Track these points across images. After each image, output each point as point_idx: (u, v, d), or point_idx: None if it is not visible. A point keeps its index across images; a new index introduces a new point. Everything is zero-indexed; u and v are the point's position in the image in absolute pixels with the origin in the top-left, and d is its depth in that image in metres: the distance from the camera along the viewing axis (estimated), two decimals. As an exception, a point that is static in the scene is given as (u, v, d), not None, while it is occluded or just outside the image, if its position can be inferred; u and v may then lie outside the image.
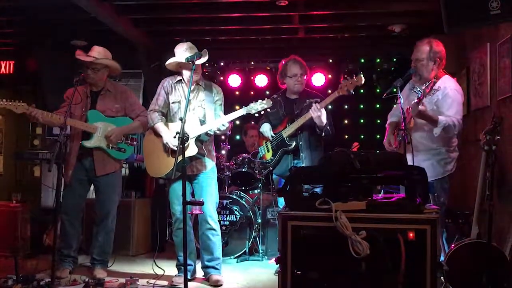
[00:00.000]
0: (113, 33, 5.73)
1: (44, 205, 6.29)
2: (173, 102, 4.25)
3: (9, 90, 6.83)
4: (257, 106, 4.09)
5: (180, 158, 3.47)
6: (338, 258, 2.48)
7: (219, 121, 4.10)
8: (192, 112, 4.16)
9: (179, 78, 4.28)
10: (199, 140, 4.13)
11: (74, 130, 4.33)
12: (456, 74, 5.12)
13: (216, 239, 4.26)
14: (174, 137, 3.67)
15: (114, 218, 4.48)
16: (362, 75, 4.07)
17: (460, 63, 5.20)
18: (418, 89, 3.50)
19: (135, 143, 4.53)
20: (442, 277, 3.00)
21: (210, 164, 4.28)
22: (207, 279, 4.26)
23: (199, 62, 3.93)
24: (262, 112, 4.23)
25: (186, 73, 4.20)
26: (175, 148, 4.03)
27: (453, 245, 3.54)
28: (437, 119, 3.50)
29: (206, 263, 4.27)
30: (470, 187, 4.70)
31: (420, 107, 3.42)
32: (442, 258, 3.25)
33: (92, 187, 4.54)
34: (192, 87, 4.11)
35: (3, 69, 6.57)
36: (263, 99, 4.13)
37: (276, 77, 4.76)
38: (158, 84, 4.37)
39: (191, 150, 4.04)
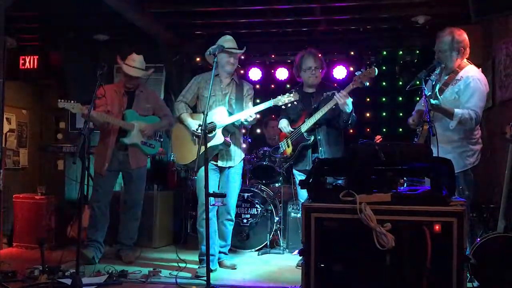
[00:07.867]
0: (134, 27, 5.75)
1: (67, 197, 6.39)
2: (207, 97, 4.29)
3: (34, 84, 6.94)
4: (284, 99, 4.17)
5: (202, 149, 3.51)
6: (363, 250, 2.44)
7: (247, 112, 4.20)
8: (222, 103, 4.28)
9: (216, 73, 4.33)
10: (226, 130, 4.23)
11: (111, 126, 4.59)
12: (482, 65, 5.01)
13: (231, 228, 4.58)
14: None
15: (141, 206, 4.81)
16: (374, 67, 4.06)
17: (486, 53, 5.09)
18: (433, 76, 3.44)
19: (162, 139, 4.96)
20: (467, 271, 2.95)
21: (239, 158, 4.42)
22: (219, 263, 4.43)
23: (236, 51, 4.26)
24: (283, 107, 4.26)
25: (223, 59, 4.28)
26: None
27: (478, 239, 3.48)
28: (452, 112, 3.43)
29: (220, 249, 4.46)
30: (495, 180, 4.61)
31: (432, 101, 3.36)
32: (467, 252, 3.20)
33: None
34: (228, 81, 4.35)
35: (27, 64, 6.64)
36: (290, 92, 4.20)
37: (297, 70, 4.75)
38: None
39: (217, 139, 4.18)
